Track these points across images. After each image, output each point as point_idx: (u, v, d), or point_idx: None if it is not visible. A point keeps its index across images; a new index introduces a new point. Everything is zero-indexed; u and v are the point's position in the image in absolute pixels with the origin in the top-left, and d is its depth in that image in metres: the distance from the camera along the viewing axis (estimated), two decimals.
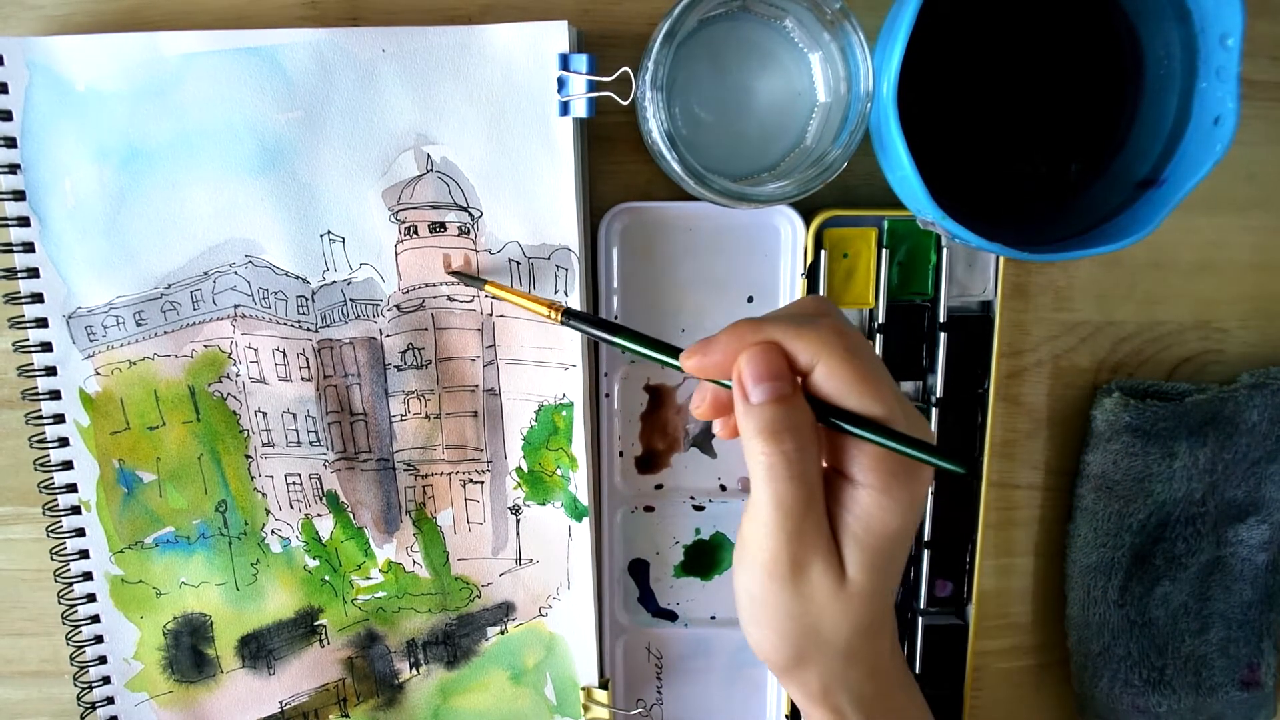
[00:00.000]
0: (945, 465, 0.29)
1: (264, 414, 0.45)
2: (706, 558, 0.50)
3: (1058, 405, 0.50)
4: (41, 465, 0.45)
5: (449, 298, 0.44)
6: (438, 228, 0.43)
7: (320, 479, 0.46)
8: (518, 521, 0.47)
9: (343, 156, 0.43)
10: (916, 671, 0.49)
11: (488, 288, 0.41)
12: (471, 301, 0.44)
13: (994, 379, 0.47)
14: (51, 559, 0.46)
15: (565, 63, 0.41)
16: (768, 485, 0.30)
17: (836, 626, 0.30)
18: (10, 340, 0.45)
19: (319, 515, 0.47)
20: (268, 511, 0.46)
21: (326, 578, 0.47)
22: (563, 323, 0.37)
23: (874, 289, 0.46)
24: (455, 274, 0.43)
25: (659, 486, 0.49)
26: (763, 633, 0.32)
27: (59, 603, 0.46)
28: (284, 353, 0.45)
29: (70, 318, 0.44)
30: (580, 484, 0.46)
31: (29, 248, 0.43)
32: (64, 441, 0.45)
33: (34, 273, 0.44)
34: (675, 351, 0.33)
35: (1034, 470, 0.51)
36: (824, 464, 0.31)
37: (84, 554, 0.46)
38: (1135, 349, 0.49)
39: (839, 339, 0.29)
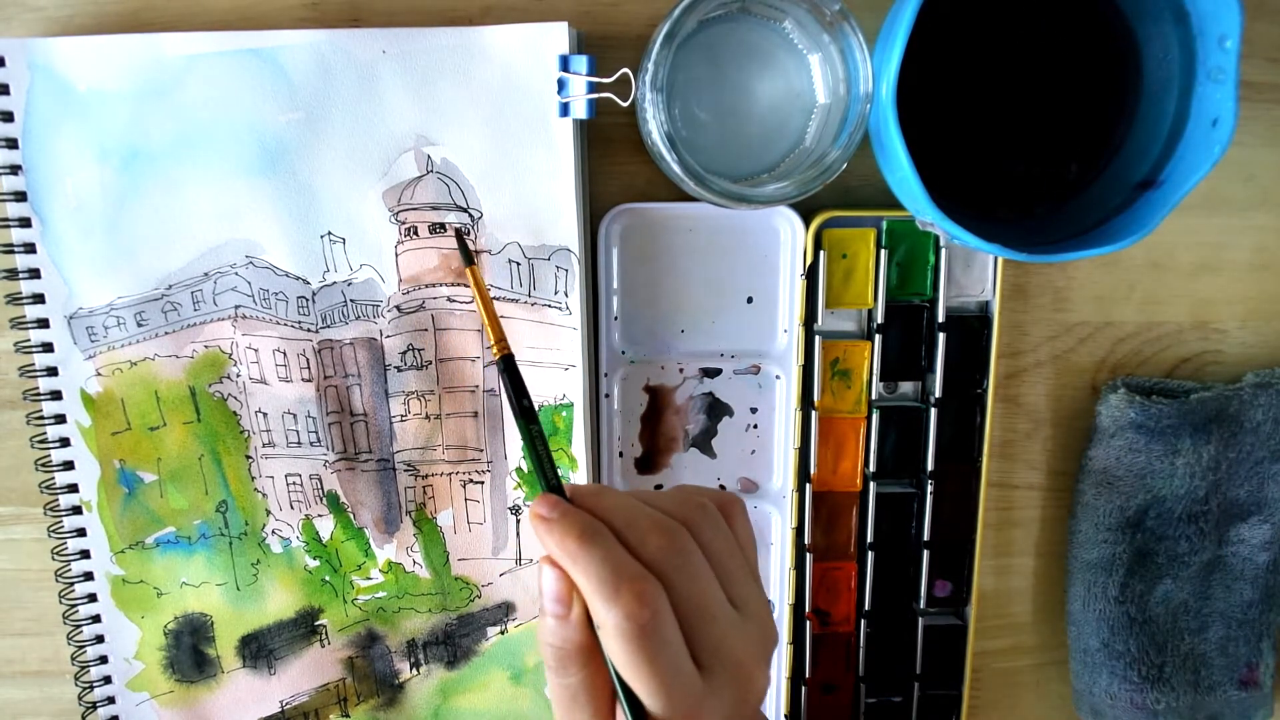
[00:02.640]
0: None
1: (264, 414, 0.45)
2: None
3: (1057, 405, 0.50)
4: (43, 465, 0.45)
5: (449, 299, 0.44)
6: (438, 228, 0.43)
7: (320, 479, 0.46)
8: (518, 521, 0.47)
9: (343, 157, 0.43)
10: (917, 671, 0.50)
11: (469, 270, 0.41)
12: (471, 302, 0.44)
13: (993, 379, 0.47)
14: (52, 559, 0.46)
15: (565, 64, 0.41)
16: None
17: None
18: (11, 341, 0.45)
19: (319, 515, 0.47)
20: (268, 512, 0.46)
21: (327, 578, 0.47)
22: (495, 363, 0.38)
23: (873, 289, 0.46)
24: (458, 235, 0.43)
25: (659, 487, 0.49)
26: None
27: (60, 603, 0.46)
28: (284, 353, 0.45)
29: (71, 318, 0.44)
30: (580, 484, 0.46)
31: (30, 249, 0.44)
32: (65, 442, 0.45)
33: (35, 273, 0.44)
34: (549, 484, 0.34)
35: (1033, 470, 0.51)
36: None
37: (85, 554, 0.46)
38: (1134, 349, 0.49)
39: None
